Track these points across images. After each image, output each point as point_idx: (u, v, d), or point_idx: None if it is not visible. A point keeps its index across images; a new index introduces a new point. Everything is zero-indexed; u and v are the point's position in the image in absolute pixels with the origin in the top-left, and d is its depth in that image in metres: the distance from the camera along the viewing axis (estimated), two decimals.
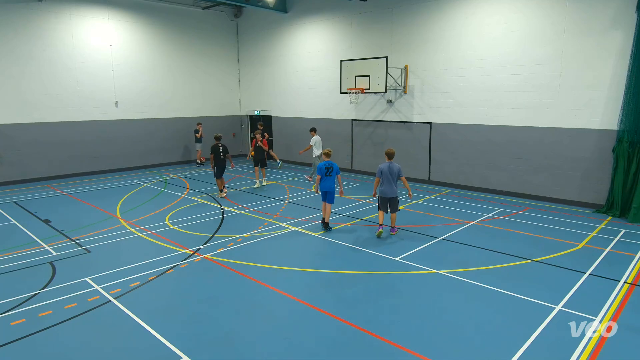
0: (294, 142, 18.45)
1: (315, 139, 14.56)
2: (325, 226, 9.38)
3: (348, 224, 9.81)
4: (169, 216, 10.47)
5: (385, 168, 8.75)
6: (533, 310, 5.77)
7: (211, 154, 12.50)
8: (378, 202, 9.17)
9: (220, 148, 12.45)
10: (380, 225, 8.91)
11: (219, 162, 12.44)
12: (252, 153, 14.18)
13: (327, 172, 9.28)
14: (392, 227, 9.08)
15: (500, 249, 8.13)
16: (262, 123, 17.63)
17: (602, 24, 10.37)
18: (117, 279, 6.85)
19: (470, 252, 8.05)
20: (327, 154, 9.48)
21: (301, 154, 16.29)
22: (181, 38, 18.44)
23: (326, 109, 17.13)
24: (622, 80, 10.17)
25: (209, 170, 16.97)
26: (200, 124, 18.38)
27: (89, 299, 6.14)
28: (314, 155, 14.58)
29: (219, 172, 12.50)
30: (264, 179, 14.14)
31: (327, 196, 9.33)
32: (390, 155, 8.81)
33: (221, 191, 12.58)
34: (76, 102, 15.71)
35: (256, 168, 14.00)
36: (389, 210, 9.04)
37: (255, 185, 13.86)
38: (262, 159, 13.97)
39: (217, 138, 12.67)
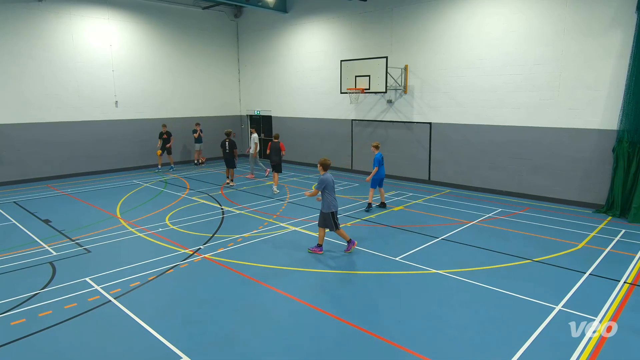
0: (293, 142, 18.44)
1: (255, 136, 15.39)
2: (383, 205, 11.20)
3: (348, 224, 9.81)
4: (169, 216, 10.47)
5: (330, 179, 7.85)
6: (533, 310, 5.77)
7: (221, 148, 14.23)
8: (323, 219, 7.91)
9: (227, 143, 13.99)
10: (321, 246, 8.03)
11: (224, 155, 14.07)
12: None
13: (383, 162, 10.93)
14: (350, 241, 8.03)
15: (500, 249, 8.13)
16: (164, 125, 17.28)
17: (602, 24, 10.37)
18: (117, 279, 6.85)
19: (470, 252, 8.05)
20: (377, 147, 10.88)
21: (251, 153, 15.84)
22: (181, 38, 18.44)
23: (326, 109, 17.13)
24: (622, 80, 10.17)
25: (209, 170, 17.03)
26: (198, 124, 18.24)
27: (89, 299, 6.15)
28: (252, 152, 15.40)
29: (225, 163, 14.16)
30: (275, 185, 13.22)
31: (383, 181, 11.21)
32: (327, 166, 7.94)
33: (229, 181, 14.17)
34: (76, 102, 15.71)
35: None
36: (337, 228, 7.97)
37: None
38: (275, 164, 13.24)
39: (226, 134, 14.30)
